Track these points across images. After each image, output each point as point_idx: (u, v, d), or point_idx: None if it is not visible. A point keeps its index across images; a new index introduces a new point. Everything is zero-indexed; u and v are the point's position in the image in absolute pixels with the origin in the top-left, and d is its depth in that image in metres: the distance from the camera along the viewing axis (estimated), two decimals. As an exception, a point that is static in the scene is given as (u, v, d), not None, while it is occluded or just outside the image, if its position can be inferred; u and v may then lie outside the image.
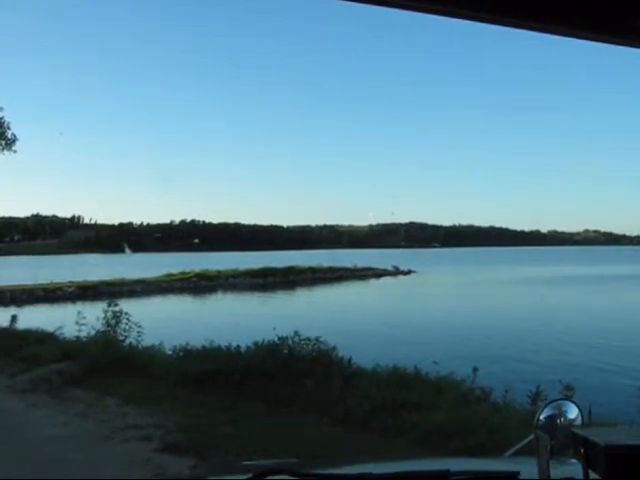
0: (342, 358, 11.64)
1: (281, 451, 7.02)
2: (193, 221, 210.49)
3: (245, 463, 1.77)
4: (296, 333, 11.61)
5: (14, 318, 19.65)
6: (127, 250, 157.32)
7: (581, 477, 1.45)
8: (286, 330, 11.88)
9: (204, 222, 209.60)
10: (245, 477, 1.51)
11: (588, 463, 1.43)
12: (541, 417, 1.76)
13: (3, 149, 39.32)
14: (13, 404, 10.53)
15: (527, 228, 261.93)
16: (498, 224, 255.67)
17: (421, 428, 8.14)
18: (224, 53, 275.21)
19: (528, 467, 1.60)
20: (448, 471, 1.62)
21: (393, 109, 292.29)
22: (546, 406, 1.83)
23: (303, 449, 7.50)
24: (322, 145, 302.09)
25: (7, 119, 39.04)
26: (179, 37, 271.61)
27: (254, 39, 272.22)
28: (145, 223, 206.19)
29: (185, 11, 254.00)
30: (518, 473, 1.63)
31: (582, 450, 1.44)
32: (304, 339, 11.49)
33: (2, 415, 9.93)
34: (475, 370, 11.05)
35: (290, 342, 11.42)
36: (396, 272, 76.39)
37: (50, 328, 17.09)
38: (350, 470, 2.03)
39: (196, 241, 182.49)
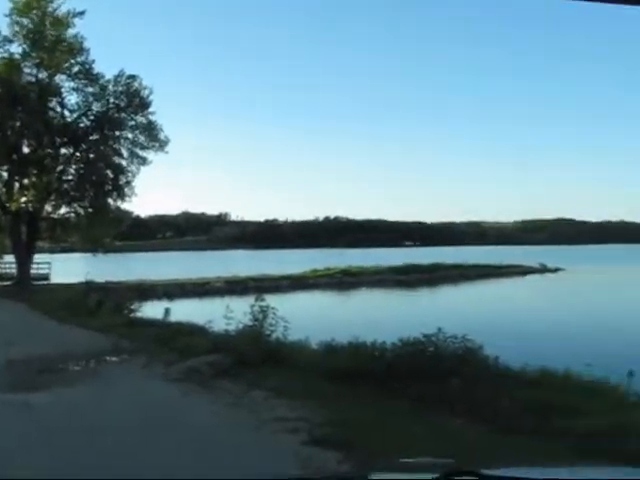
0: (488, 357, 11.38)
1: (428, 451, 6.91)
2: (337, 218, 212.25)
3: (403, 461, 1.71)
4: (440, 330, 11.44)
5: (167, 311, 20.63)
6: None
7: None
8: (429, 328, 11.73)
9: (348, 219, 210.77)
10: (431, 476, 1.46)
11: None
12: None
13: (157, 150, 41.59)
14: (169, 391, 11.25)
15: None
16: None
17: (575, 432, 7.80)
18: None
19: None
20: None
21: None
22: None
23: (450, 449, 7.37)
24: (465, 139, 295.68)
25: (160, 121, 41.23)
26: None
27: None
28: (290, 220, 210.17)
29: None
30: None
31: None
32: (450, 337, 11.29)
33: (160, 401, 10.63)
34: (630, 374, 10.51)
35: (435, 339, 11.26)
36: (543, 270, 74.00)
37: (200, 321, 17.73)
38: (531, 474, 1.95)
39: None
